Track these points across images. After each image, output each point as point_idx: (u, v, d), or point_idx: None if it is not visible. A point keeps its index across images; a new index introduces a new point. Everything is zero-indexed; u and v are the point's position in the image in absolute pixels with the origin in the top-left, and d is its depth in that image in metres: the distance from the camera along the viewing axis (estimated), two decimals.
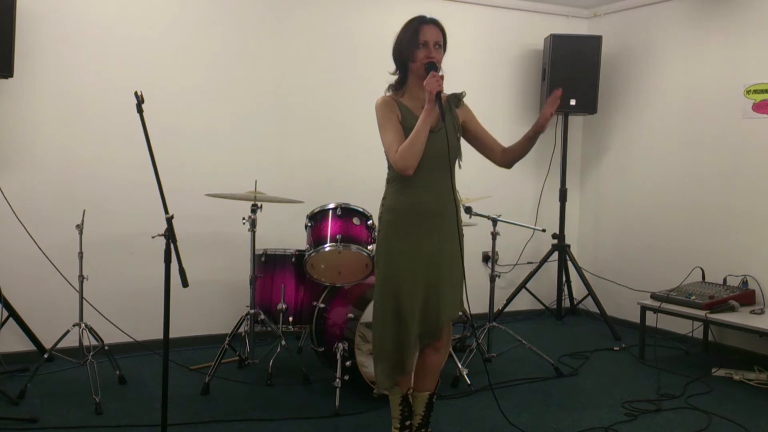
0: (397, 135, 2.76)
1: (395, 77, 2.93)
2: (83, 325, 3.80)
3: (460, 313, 3.01)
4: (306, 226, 4.09)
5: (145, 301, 4.41)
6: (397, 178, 2.85)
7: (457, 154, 2.88)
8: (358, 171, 5.15)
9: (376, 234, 3.12)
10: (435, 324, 2.88)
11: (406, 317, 2.82)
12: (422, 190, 2.82)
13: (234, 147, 4.80)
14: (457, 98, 2.95)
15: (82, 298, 3.82)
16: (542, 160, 5.82)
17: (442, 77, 2.72)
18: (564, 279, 5.73)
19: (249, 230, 4.05)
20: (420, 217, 2.83)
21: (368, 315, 3.89)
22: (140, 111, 2.84)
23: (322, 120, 5.06)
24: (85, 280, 3.82)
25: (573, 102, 5.48)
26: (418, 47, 2.77)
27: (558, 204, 5.67)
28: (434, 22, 2.82)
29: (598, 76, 5.49)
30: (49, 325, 4.08)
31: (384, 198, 2.94)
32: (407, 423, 3.02)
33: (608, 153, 5.83)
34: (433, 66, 2.75)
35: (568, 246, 5.70)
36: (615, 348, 4.93)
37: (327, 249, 3.90)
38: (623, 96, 5.66)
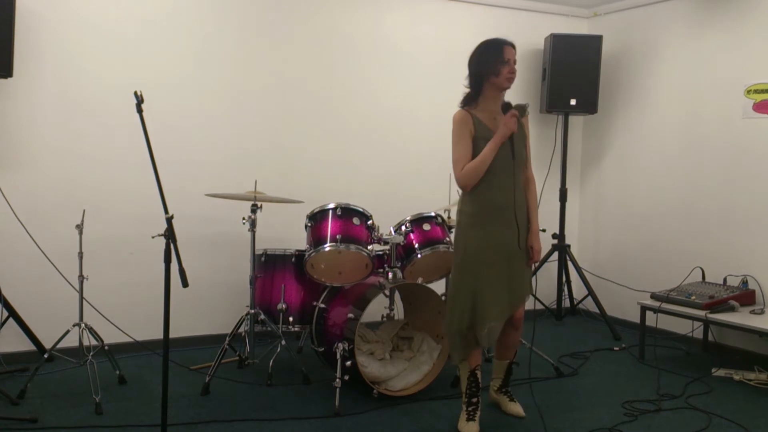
0: (465, 152, 3.18)
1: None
2: (83, 325, 3.80)
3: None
4: (306, 226, 4.09)
5: (145, 301, 4.41)
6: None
7: (523, 160, 3.31)
8: (358, 171, 5.16)
9: (453, 230, 3.62)
10: (511, 303, 3.29)
11: (484, 296, 3.21)
12: (493, 190, 3.22)
13: (234, 147, 4.80)
14: (522, 109, 3.30)
15: (82, 298, 3.82)
16: (542, 160, 5.81)
17: (515, 114, 3.17)
18: (564, 279, 5.73)
19: (249, 230, 4.05)
20: (493, 212, 3.23)
21: (368, 315, 3.90)
22: (140, 111, 2.85)
23: (322, 120, 5.05)
24: (85, 280, 3.81)
25: (573, 102, 5.48)
26: (503, 64, 3.20)
27: (558, 204, 5.66)
28: (512, 45, 3.28)
29: (599, 75, 5.49)
30: (49, 325, 4.08)
31: (462, 204, 3.33)
32: (474, 400, 3.32)
33: (608, 153, 5.83)
34: (521, 108, 3.25)
35: (568, 246, 5.70)
36: (615, 348, 4.93)
37: (327, 249, 3.90)
38: (623, 96, 5.66)
